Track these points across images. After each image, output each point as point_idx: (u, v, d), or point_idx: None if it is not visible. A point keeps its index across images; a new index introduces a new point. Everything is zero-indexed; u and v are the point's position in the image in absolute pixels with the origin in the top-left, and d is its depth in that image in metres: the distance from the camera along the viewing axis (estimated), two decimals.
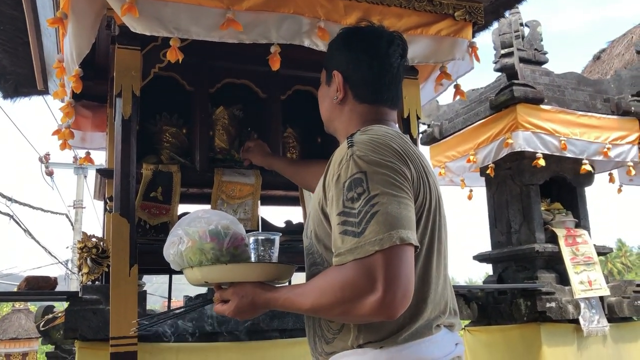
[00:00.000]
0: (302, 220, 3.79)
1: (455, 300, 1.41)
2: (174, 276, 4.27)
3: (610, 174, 5.27)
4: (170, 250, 1.43)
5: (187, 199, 3.64)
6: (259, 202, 3.50)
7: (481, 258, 5.02)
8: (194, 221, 1.44)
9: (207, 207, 3.49)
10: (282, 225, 4.01)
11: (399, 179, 1.21)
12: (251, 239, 1.43)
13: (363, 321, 1.23)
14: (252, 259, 1.42)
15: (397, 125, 1.52)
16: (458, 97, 3.46)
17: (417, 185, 1.27)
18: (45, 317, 3.09)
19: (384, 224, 1.14)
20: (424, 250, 1.29)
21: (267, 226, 3.65)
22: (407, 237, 1.15)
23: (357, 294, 1.14)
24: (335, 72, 1.49)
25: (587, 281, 4.33)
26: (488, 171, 4.71)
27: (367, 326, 1.24)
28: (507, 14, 4.38)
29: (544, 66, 5.09)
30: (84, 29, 2.58)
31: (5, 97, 4.45)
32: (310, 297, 1.23)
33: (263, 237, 1.43)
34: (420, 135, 4.92)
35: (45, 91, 4.26)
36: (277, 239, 1.46)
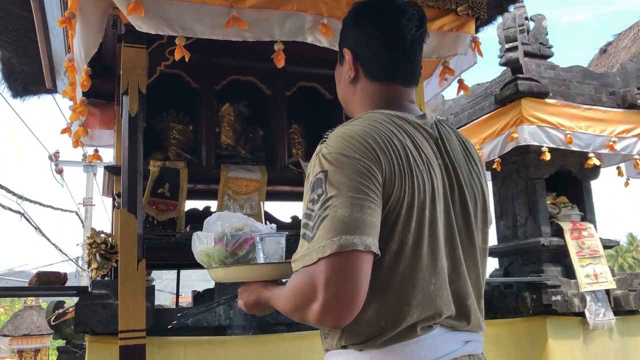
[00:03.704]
0: None
1: (469, 300, 1.29)
2: (182, 272, 4.33)
3: (619, 168, 5.25)
4: (193, 251, 1.54)
5: (194, 195, 3.69)
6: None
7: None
8: (215, 224, 1.52)
9: (214, 203, 3.54)
10: (289, 220, 4.04)
11: (360, 179, 1.13)
12: (257, 239, 1.46)
13: (318, 326, 1.24)
14: (261, 259, 1.44)
15: (413, 104, 1.39)
16: (463, 92, 3.48)
17: (391, 181, 1.17)
18: (56, 312, 3.15)
19: (329, 229, 1.10)
20: (407, 249, 1.19)
21: (273, 222, 3.70)
22: (351, 243, 1.08)
23: (304, 302, 1.13)
24: (346, 50, 1.41)
25: (593, 274, 4.33)
26: (494, 165, 4.71)
27: (349, 328, 1.20)
28: (511, 8, 4.39)
29: (549, 60, 5.08)
30: (92, 28, 2.62)
31: (14, 96, 4.51)
32: (280, 301, 1.25)
33: (268, 237, 1.46)
34: None
35: (53, 90, 4.32)
36: (282, 238, 1.48)
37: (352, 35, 1.42)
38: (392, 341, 1.19)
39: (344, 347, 1.23)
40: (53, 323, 3.02)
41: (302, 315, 1.15)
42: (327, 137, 1.22)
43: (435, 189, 1.25)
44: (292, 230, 1.59)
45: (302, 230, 1.17)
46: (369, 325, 1.19)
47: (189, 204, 3.61)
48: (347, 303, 1.10)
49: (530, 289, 4.19)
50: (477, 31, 3.30)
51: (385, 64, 1.38)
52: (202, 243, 1.50)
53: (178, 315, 1.76)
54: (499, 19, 4.55)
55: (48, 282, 2.86)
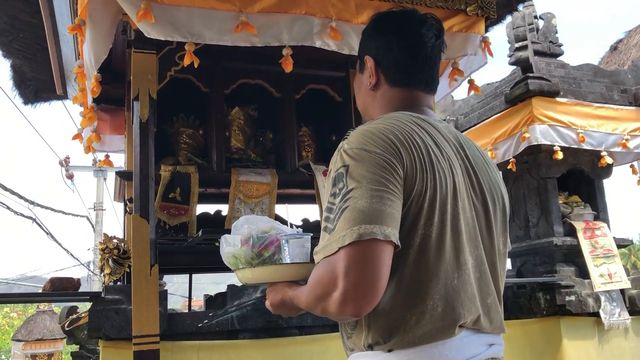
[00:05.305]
0: (318, 219, 3.82)
1: (490, 298, 1.31)
2: (193, 276, 4.33)
3: (632, 166, 5.20)
4: (221, 253, 1.56)
5: (205, 199, 3.69)
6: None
7: None
8: (242, 227, 1.55)
9: (225, 207, 3.54)
10: (300, 223, 4.04)
11: (380, 172, 1.16)
12: (283, 241, 1.47)
13: (337, 319, 1.26)
14: (287, 260, 1.45)
15: (431, 110, 1.44)
16: (473, 92, 3.47)
17: (412, 175, 1.20)
18: (70, 317, 3.16)
19: (349, 220, 1.12)
20: (430, 242, 1.21)
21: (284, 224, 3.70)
22: (370, 232, 1.11)
23: (325, 292, 1.15)
24: (367, 57, 1.45)
25: (607, 274, 4.29)
26: (509, 166, 4.68)
27: (375, 323, 1.22)
28: (520, 7, 4.36)
29: (559, 58, 5.04)
30: (101, 35, 2.64)
31: (25, 102, 4.55)
32: (303, 296, 1.27)
33: (293, 239, 1.48)
34: None
35: (64, 96, 4.35)
36: (307, 240, 1.48)
37: (374, 43, 1.46)
38: (421, 341, 1.20)
39: (370, 347, 1.24)
40: (67, 328, 3.03)
41: (324, 306, 1.17)
42: (348, 134, 1.26)
43: (457, 186, 1.27)
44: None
45: (324, 224, 1.20)
46: (395, 319, 1.20)
47: (200, 208, 3.62)
48: (366, 291, 1.12)
49: (543, 290, 4.16)
50: (486, 31, 3.28)
51: (407, 70, 1.42)
52: (229, 245, 1.53)
53: (210, 315, 1.79)
54: (509, 18, 4.53)
55: (61, 288, 2.88)
